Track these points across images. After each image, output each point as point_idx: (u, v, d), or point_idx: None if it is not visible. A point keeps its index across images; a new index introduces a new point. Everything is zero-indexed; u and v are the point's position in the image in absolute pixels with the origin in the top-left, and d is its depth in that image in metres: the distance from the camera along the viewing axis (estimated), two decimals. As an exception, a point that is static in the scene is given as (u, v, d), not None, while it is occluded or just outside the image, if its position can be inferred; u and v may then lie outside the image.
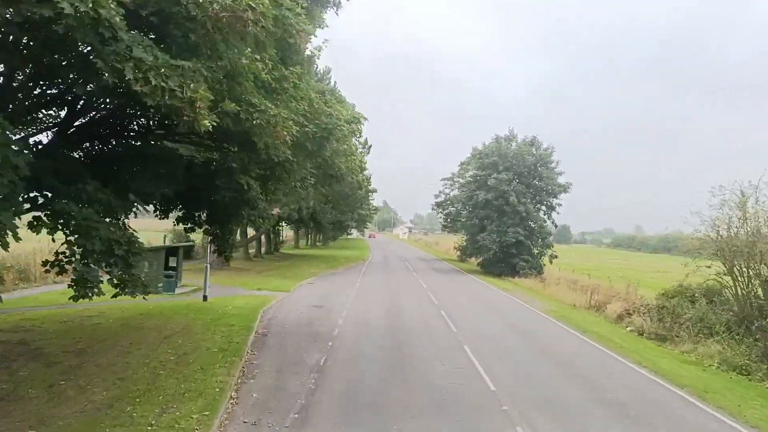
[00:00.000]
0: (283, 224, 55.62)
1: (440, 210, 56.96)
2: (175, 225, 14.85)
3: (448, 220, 55.71)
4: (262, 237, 52.74)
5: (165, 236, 41.93)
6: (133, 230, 9.86)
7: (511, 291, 30.73)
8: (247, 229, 44.68)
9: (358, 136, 19.91)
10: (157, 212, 14.21)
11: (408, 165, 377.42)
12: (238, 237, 44.23)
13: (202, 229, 15.99)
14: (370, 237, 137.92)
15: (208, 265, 21.64)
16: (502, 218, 39.65)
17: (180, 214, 14.65)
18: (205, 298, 21.35)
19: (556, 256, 40.67)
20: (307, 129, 11.52)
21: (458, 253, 56.07)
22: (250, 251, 47.55)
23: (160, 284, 24.25)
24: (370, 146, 37.83)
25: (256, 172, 12.98)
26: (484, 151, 42.44)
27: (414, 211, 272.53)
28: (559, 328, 19.54)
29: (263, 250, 50.66)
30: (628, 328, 19.51)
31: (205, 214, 14.59)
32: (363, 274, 36.51)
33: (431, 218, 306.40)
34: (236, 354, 13.50)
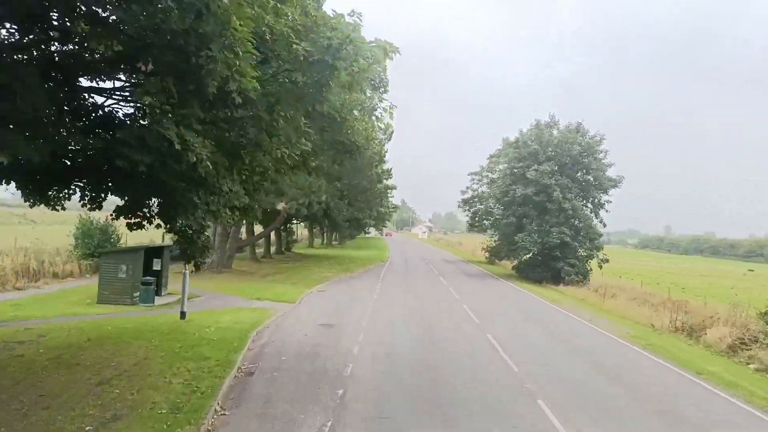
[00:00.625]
0: (295, 222, 51.10)
1: (466, 208, 51.78)
2: (112, 218, 9.99)
3: (476, 218, 50.47)
4: (272, 235, 48.36)
5: (164, 234, 37.78)
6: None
7: (562, 304, 25.48)
8: (254, 226, 40.25)
9: (383, 81, 14.80)
10: (84, 200, 9.50)
11: (411, 153, 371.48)
12: (243, 235, 39.86)
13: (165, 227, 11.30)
14: (386, 236, 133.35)
15: (187, 272, 16.97)
16: (544, 216, 34.31)
17: (121, 203, 9.97)
18: (182, 314, 16.70)
19: (607, 260, 35.12)
20: (297, 48, 6.61)
21: (486, 254, 50.87)
22: (257, 251, 43.15)
23: (137, 294, 19.76)
24: (392, 131, 32.72)
25: (207, 128, 8.05)
26: (522, 140, 36.96)
27: (432, 210, 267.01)
28: (657, 364, 14.32)
29: (273, 249, 46.22)
30: (751, 366, 14.20)
31: (155, 204, 9.87)
32: (382, 279, 31.66)
33: (450, 218, 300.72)
34: (194, 418, 8.74)
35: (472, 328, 17.87)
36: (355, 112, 15.98)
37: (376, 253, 58.53)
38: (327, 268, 36.50)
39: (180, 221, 10.13)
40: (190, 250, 11.26)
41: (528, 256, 37.13)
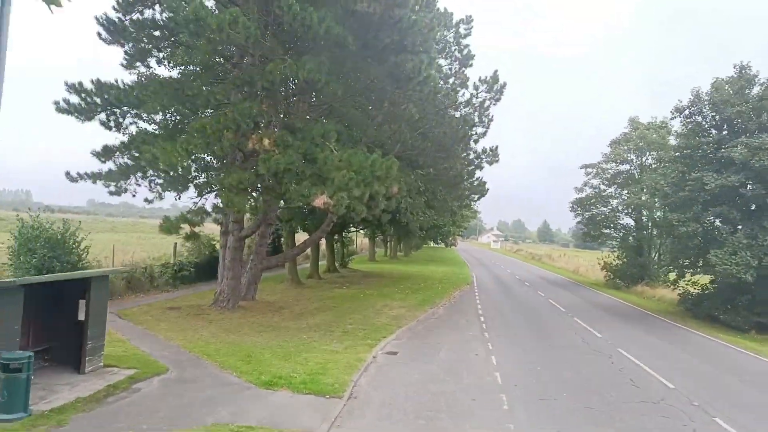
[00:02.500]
0: (354, 229, 40.15)
1: (581, 211, 38.56)
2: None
3: (596, 224, 37.17)
4: (322, 246, 37.66)
5: (175, 244, 28.04)
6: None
7: None
8: (295, 235, 29.66)
9: None
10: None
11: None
12: (287, 242, 29.25)
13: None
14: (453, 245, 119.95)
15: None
16: (762, 221, 20.77)
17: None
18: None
19: None
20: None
21: (608, 275, 37.40)
22: (301, 266, 32.59)
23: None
24: (503, 86, 20.56)
25: None
26: (717, 96, 22.83)
27: (497, 217, 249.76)
28: None
29: (323, 263, 35.49)
30: None
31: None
32: (487, 322, 19.64)
33: (518, 226, 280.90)
34: None
35: None
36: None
37: (455, 270, 46.33)
38: (395, 297, 25.02)
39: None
40: None
41: (710, 283, 23.65)
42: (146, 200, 15.54)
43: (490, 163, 22.78)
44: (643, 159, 35.64)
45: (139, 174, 16.62)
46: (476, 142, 21.86)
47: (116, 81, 16.82)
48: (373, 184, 14.71)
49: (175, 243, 26.83)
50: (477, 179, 24.69)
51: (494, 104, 21.03)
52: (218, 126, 14.28)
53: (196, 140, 14.40)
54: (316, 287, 27.53)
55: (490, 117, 21.44)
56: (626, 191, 36.22)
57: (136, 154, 16.17)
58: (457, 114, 20.40)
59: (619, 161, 36.00)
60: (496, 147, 22.47)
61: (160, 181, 15.45)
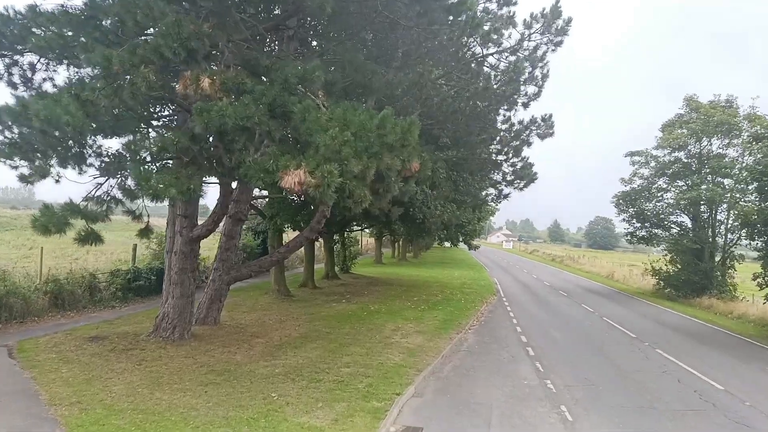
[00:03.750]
0: (357, 228, 34.57)
1: (627, 207, 32.77)
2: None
3: (651, 222, 31.37)
4: (319, 247, 32.41)
5: (135, 246, 22.61)
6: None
7: None
8: (282, 235, 24.26)
9: None
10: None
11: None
12: (272, 244, 23.79)
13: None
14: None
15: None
16: None
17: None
18: None
19: None
20: None
21: (658, 282, 31.63)
22: (290, 272, 27.27)
23: None
24: (567, 23, 14.85)
25: None
26: None
27: (504, 216, 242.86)
28: None
29: (320, 267, 30.07)
30: None
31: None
32: (547, 372, 13.68)
33: (526, 225, 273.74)
34: None
35: None
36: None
37: (473, 275, 40.62)
38: (409, 315, 19.44)
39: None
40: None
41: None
42: (23, 179, 10.00)
43: (542, 137, 17.05)
44: (708, 144, 29.77)
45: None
46: (526, 106, 16.10)
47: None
48: (382, 154, 9.14)
49: (135, 245, 21.51)
50: (522, 160, 18.83)
51: (552, 50, 15.09)
52: (132, 59, 8.78)
53: (96, 84, 8.93)
54: (309, 300, 21.99)
55: (545, 71, 15.55)
56: (682, 182, 30.43)
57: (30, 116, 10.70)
58: (497, 69, 14.62)
59: (675, 147, 30.12)
60: (550, 116, 16.73)
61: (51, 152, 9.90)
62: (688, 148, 30.17)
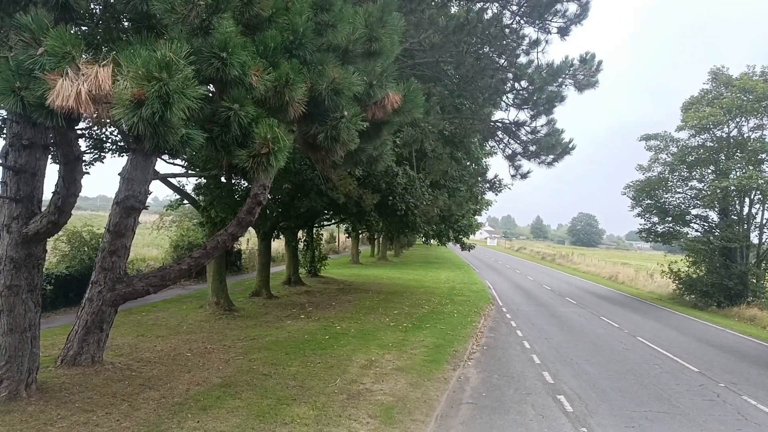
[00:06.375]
0: (328, 222, 29.39)
1: (642, 197, 28.33)
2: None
3: (673, 216, 26.94)
4: (279, 248, 27.60)
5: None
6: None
7: None
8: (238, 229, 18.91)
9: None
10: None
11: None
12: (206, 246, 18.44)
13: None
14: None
15: None
16: None
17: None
18: None
19: None
20: None
21: (678, 286, 27.31)
22: (234, 277, 22.18)
23: None
24: None
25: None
26: None
27: (485, 213, 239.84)
28: None
29: (278, 270, 24.98)
30: None
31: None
32: None
33: (508, 222, 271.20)
34: None
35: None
36: None
37: (461, 277, 35.84)
38: (386, 338, 14.42)
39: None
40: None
41: None
42: None
43: (581, 88, 12.00)
44: (744, 123, 25.31)
45: None
46: (564, 33, 10.90)
47: None
48: (324, 60, 4.25)
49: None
50: (549, 123, 13.51)
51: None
52: None
53: None
54: (256, 317, 16.80)
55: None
56: (708, 170, 26.09)
57: None
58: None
59: (701, 128, 25.58)
60: (593, 56, 11.70)
61: None
62: (716, 129, 25.79)
